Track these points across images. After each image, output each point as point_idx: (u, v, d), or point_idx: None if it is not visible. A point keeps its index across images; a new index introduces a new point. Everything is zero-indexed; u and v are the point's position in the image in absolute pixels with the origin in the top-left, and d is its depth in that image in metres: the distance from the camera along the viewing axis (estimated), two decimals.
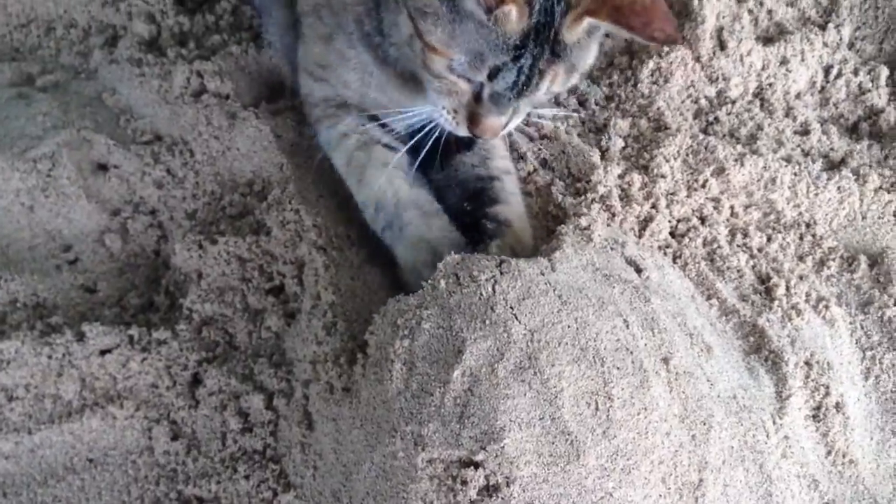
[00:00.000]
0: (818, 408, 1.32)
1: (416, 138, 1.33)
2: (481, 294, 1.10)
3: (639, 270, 1.27)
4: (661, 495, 1.06)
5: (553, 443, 1.03)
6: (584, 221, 1.30)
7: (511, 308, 1.08)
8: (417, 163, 1.35)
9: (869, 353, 1.41)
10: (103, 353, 1.27)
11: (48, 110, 1.42)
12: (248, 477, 1.24)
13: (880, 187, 1.56)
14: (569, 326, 1.09)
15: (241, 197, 1.41)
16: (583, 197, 1.41)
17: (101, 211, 1.38)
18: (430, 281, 1.14)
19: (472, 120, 1.23)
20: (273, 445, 1.26)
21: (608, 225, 1.36)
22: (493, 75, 1.17)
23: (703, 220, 1.46)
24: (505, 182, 1.44)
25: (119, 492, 1.25)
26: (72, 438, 1.26)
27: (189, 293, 1.33)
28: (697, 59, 1.66)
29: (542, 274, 1.14)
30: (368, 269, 1.39)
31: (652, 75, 1.65)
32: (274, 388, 1.28)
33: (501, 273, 1.12)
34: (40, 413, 1.26)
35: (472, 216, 1.39)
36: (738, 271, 1.42)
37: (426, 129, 1.30)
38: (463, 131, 1.26)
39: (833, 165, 1.59)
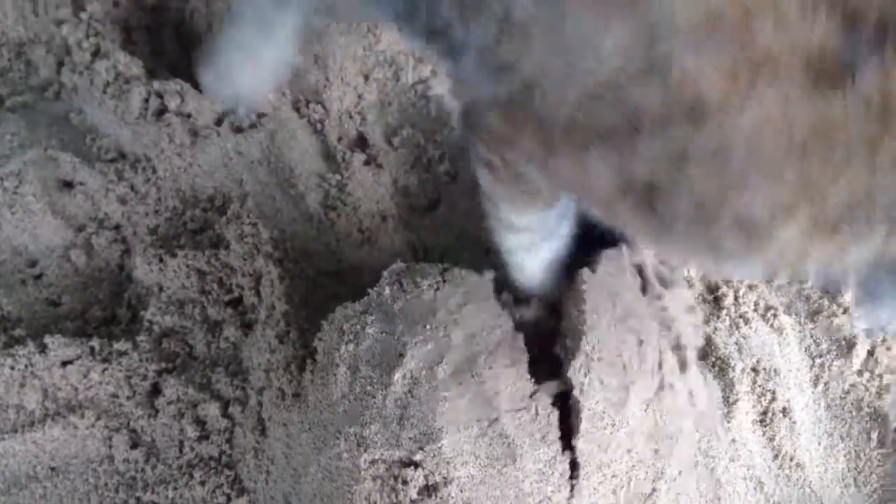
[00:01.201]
0: (765, 413, 1.35)
1: None
2: (423, 300, 1.13)
3: None
4: None
5: (490, 445, 1.06)
6: None
7: (451, 313, 1.12)
8: None
9: (818, 361, 1.44)
10: (65, 364, 1.29)
11: (16, 130, 1.45)
12: (203, 483, 1.26)
13: None
14: (507, 331, 1.12)
15: (202, 212, 1.44)
16: None
17: (67, 227, 1.41)
18: (375, 288, 1.18)
19: None
20: (228, 452, 1.28)
21: None
22: None
23: None
24: None
25: (80, 499, 1.28)
26: (34, 447, 1.28)
27: (150, 306, 1.36)
28: None
29: (485, 280, 1.18)
30: (324, 281, 1.42)
31: None
32: (230, 396, 1.30)
33: (444, 280, 1.16)
34: (4, 423, 1.28)
35: None
36: (688, 282, 1.45)
37: None
38: None
39: None
